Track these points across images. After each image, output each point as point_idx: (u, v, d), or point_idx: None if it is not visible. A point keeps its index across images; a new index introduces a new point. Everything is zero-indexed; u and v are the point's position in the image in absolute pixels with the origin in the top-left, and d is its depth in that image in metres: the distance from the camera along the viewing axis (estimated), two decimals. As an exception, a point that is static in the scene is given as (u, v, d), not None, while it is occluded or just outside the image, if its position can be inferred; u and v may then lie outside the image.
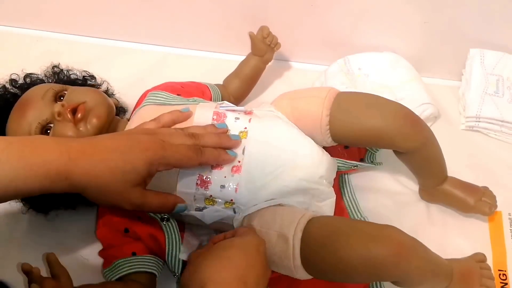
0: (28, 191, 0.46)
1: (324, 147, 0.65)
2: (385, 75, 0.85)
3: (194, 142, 0.55)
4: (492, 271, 0.65)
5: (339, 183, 0.73)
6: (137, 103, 0.73)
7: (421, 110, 0.81)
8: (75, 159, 0.47)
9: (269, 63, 0.82)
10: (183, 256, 0.59)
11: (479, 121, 0.82)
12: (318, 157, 0.63)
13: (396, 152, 0.67)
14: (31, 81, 0.70)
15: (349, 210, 0.71)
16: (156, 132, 0.55)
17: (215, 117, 0.61)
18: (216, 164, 0.58)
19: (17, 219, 0.69)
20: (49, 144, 0.47)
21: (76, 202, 0.68)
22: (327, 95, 0.62)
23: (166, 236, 0.60)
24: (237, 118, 0.62)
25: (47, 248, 0.67)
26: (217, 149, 0.57)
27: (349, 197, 0.72)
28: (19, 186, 0.45)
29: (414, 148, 0.63)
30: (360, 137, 0.63)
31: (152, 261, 0.61)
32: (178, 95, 0.69)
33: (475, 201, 0.69)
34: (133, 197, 0.51)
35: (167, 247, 0.60)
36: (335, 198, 0.64)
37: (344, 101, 0.62)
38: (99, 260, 0.65)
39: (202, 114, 0.62)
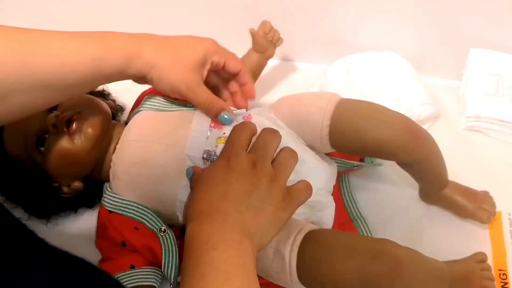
0: (110, 71, 0.51)
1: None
2: (385, 75, 0.85)
3: None
4: (493, 271, 0.65)
5: (339, 183, 0.73)
6: (134, 104, 0.73)
7: (421, 110, 0.81)
8: (144, 40, 0.54)
9: (270, 63, 0.82)
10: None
11: (479, 121, 0.82)
12: (317, 171, 0.62)
13: (398, 162, 0.66)
14: None
15: (349, 210, 0.71)
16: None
17: (212, 124, 0.60)
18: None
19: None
20: (120, 33, 0.53)
21: (77, 205, 0.68)
22: (328, 105, 0.61)
23: (163, 248, 0.60)
24: None
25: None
26: None
27: (348, 197, 0.72)
28: (103, 65, 0.50)
29: (416, 161, 0.63)
30: (360, 148, 0.62)
31: (150, 273, 0.61)
32: (175, 99, 0.67)
33: (474, 208, 0.69)
34: (190, 79, 0.56)
35: (163, 259, 0.59)
36: (334, 206, 0.64)
37: (345, 111, 0.61)
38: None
39: (200, 122, 0.61)
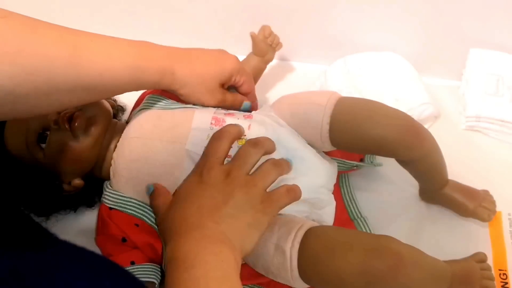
0: (145, 82, 0.56)
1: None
2: (385, 75, 0.85)
3: None
4: (493, 271, 0.65)
5: (339, 183, 0.73)
6: (135, 103, 0.73)
7: (421, 110, 0.81)
8: (179, 59, 0.58)
9: (270, 63, 0.82)
10: None
11: (479, 121, 0.82)
12: (318, 168, 0.62)
13: (398, 159, 0.66)
14: None
15: (349, 210, 0.71)
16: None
17: (213, 121, 0.60)
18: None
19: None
20: (157, 46, 0.58)
21: (77, 204, 0.68)
22: (328, 102, 0.61)
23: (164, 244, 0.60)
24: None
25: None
26: None
27: (349, 197, 0.72)
28: (140, 77, 0.55)
29: (416, 158, 0.63)
30: (361, 145, 0.62)
31: (151, 269, 0.61)
32: (176, 100, 0.67)
33: (474, 206, 0.69)
34: (217, 93, 0.62)
35: (164, 255, 0.60)
36: (335, 204, 0.64)
37: (345, 108, 0.61)
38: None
39: (200, 120, 0.61)
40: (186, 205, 0.52)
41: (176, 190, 0.55)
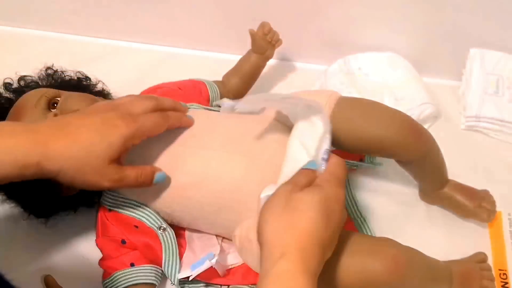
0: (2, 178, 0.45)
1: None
2: (385, 75, 0.85)
3: (156, 104, 0.55)
4: (493, 271, 0.65)
5: (339, 183, 0.73)
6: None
7: (421, 110, 0.81)
8: (45, 143, 0.46)
9: (269, 63, 0.82)
10: (182, 274, 0.58)
11: (479, 121, 0.82)
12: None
13: (397, 160, 0.66)
14: (25, 84, 0.70)
15: (349, 210, 0.71)
16: (116, 105, 0.53)
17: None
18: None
19: (18, 219, 0.68)
20: (15, 130, 0.46)
21: (77, 205, 0.68)
22: (328, 102, 0.61)
23: (163, 246, 0.60)
24: None
25: (48, 248, 0.67)
26: (176, 111, 0.58)
27: (348, 197, 0.72)
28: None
29: (416, 159, 0.63)
30: (360, 146, 0.62)
31: (150, 271, 0.61)
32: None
33: (474, 206, 0.69)
34: (110, 173, 0.50)
35: (164, 257, 0.59)
36: None
37: (345, 108, 0.61)
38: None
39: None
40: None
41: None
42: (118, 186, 0.53)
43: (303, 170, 0.49)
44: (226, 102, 0.62)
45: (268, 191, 0.50)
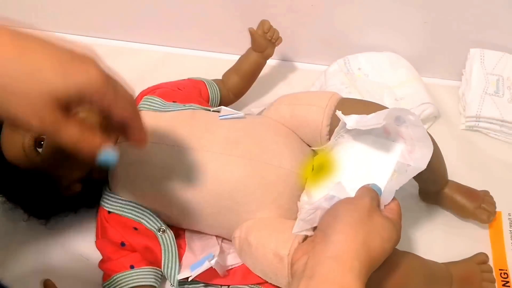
0: None
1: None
2: (385, 75, 0.85)
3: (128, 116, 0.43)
4: (494, 273, 0.65)
5: (339, 183, 0.73)
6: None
7: (421, 110, 0.81)
8: None
9: (269, 63, 0.82)
10: (182, 275, 0.58)
11: (479, 121, 0.82)
12: None
13: None
14: None
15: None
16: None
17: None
18: None
19: (17, 219, 0.68)
20: None
21: (78, 205, 0.68)
22: (328, 104, 0.61)
23: (163, 248, 0.60)
24: None
25: (48, 247, 0.67)
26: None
27: (349, 197, 0.72)
28: None
29: None
30: None
31: (150, 273, 0.61)
32: (174, 102, 0.67)
33: (474, 207, 0.69)
34: (47, 113, 0.37)
35: (163, 259, 0.59)
36: None
37: (345, 110, 0.60)
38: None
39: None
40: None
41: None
42: (49, 133, 0.39)
43: (374, 190, 0.52)
44: (223, 110, 0.63)
45: (336, 192, 0.52)
